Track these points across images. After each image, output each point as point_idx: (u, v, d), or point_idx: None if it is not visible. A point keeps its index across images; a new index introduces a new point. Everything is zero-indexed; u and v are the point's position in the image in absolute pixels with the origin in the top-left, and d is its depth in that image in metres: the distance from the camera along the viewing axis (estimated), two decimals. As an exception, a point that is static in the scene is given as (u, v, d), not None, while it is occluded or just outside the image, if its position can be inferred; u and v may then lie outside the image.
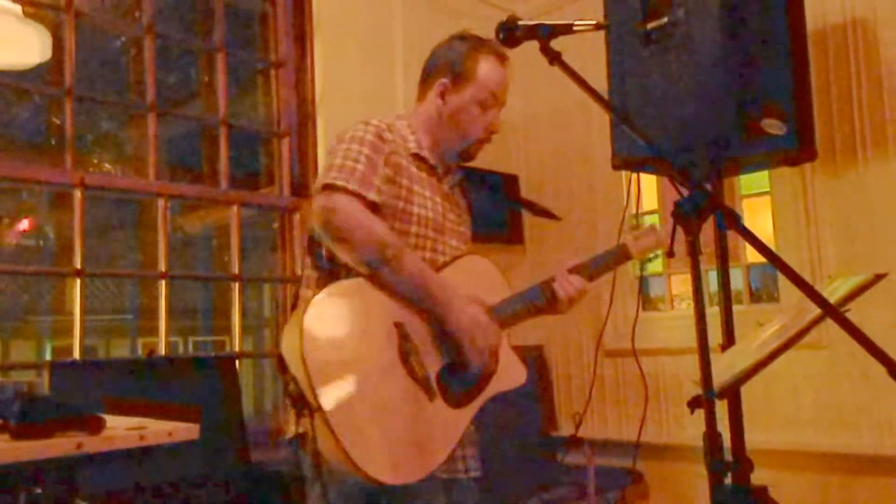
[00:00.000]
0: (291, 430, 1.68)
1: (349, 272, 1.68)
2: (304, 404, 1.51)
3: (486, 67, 1.90)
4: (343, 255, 1.65)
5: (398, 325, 1.64)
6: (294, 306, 1.77)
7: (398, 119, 1.93)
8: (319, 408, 1.46)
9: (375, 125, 1.80)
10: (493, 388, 1.79)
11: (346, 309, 1.61)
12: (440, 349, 1.70)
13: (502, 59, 1.94)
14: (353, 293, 1.63)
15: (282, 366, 1.57)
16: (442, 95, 1.89)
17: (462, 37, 1.96)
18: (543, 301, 1.92)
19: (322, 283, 1.70)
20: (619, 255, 2.09)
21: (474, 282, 1.83)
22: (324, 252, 1.75)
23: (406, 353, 1.62)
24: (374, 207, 1.67)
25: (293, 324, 1.55)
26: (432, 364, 1.67)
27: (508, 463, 3.55)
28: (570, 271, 1.98)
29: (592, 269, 2.02)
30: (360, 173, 1.67)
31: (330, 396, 1.48)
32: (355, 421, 1.50)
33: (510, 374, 1.85)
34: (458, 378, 1.71)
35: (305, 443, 1.59)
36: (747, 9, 2.51)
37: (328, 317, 1.57)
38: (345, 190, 1.63)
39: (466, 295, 1.76)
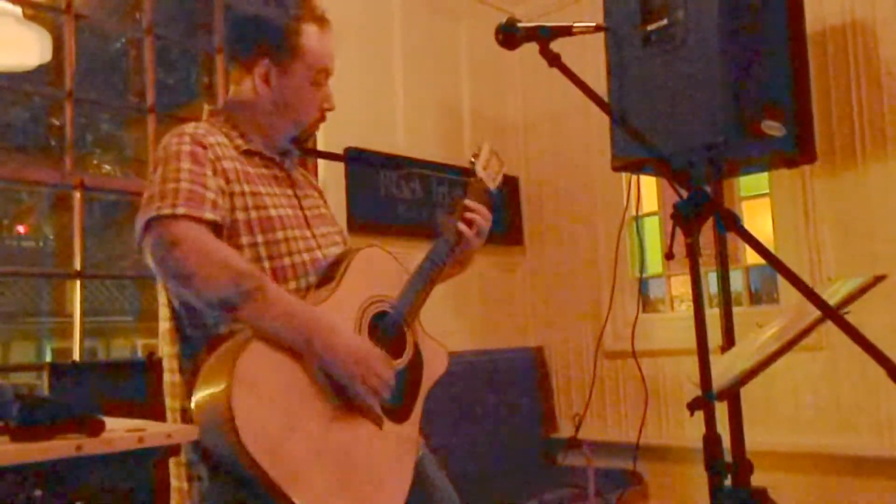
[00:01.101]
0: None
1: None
2: (242, 483, 1.34)
3: (311, 40, 1.62)
4: (191, 297, 1.39)
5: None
6: (194, 368, 1.45)
7: (212, 116, 1.65)
8: (274, 487, 1.28)
9: (191, 133, 1.51)
10: (425, 386, 1.64)
11: (272, 362, 1.36)
12: None
13: (324, 24, 1.66)
14: (274, 346, 1.38)
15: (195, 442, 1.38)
16: (266, 80, 1.60)
17: (270, 1, 1.63)
18: (451, 247, 1.72)
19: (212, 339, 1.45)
20: (480, 190, 1.86)
21: (374, 280, 1.62)
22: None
23: (341, 390, 1.43)
24: (215, 228, 1.41)
25: (212, 393, 1.31)
26: None
27: (508, 464, 3.55)
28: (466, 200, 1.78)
29: (476, 199, 1.81)
30: (185, 192, 1.39)
31: (287, 474, 1.30)
32: (322, 493, 1.34)
33: (436, 364, 1.67)
34: (396, 387, 1.53)
35: None
36: (746, 10, 2.51)
37: (256, 379, 1.32)
38: (174, 217, 1.35)
39: (370, 296, 1.58)
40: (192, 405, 1.37)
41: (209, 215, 1.40)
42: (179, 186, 1.40)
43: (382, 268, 1.67)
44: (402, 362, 1.58)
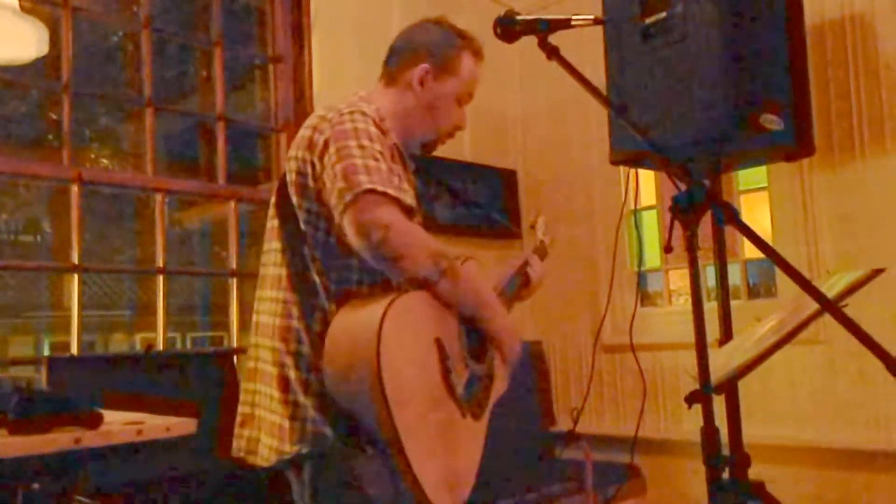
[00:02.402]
0: (288, 448, 1.51)
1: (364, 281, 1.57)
2: (361, 437, 1.46)
3: (468, 63, 1.81)
4: (396, 273, 1.52)
5: (438, 342, 1.53)
6: (326, 313, 1.54)
7: (362, 101, 1.70)
8: (393, 431, 1.37)
9: (372, 116, 1.60)
10: (492, 398, 1.76)
11: (407, 328, 1.47)
12: (467, 359, 1.64)
13: (480, 57, 1.85)
14: (410, 309, 1.50)
15: (318, 387, 1.48)
16: (422, 82, 1.76)
17: (439, 23, 1.86)
18: (519, 289, 1.93)
19: (343, 295, 1.55)
20: (542, 251, 2.17)
21: None
22: (350, 262, 1.56)
23: (447, 372, 1.53)
24: (409, 212, 1.51)
25: (359, 326, 1.42)
26: (461, 378, 1.60)
27: (506, 458, 3.55)
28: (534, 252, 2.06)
29: (539, 255, 2.10)
30: (385, 173, 1.48)
31: (406, 424, 1.39)
32: (424, 453, 1.43)
33: (501, 382, 1.81)
34: (475, 389, 1.66)
35: (303, 465, 1.53)
36: (745, 4, 2.51)
37: (398, 339, 1.43)
38: (386, 196, 1.45)
39: None
40: (328, 341, 1.47)
41: (409, 200, 1.49)
42: (380, 167, 1.48)
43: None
44: (483, 369, 1.70)
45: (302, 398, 1.50)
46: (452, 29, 1.84)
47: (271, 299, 1.60)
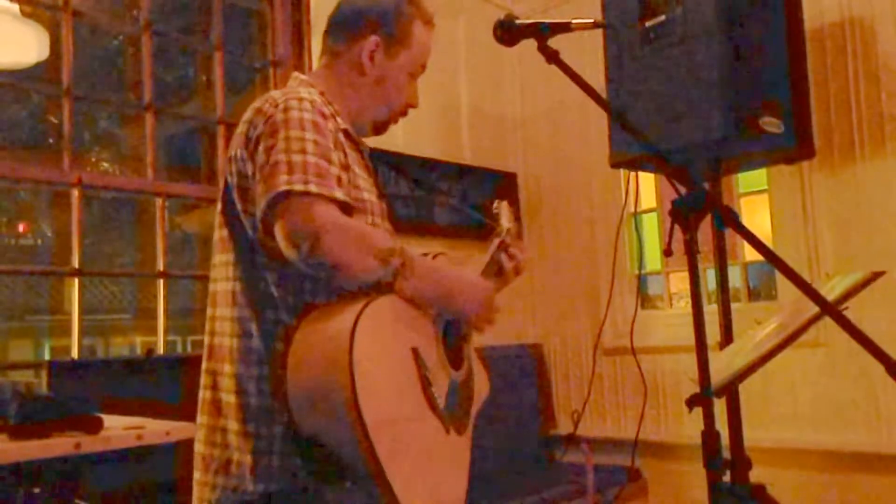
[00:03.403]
0: (252, 487, 1.33)
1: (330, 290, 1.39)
2: (337, 469, 1.29)
3: (420, 33, 1.64)
4: (342, 282, 1.35)
5: (414, 352, 1.36)
6: (285, 338, 1.35)
7: (301, 86, 1.55)
8: (375, 461, 1.20)
9: (310, 99, 1.42)
10: (475, 405, 1.61)
11: (381, 340, 1.30)
12: (446, 365, 1.47)
13: (431, 25, 1.67)
14: (382, 318, 1.32)
15: (284, 410, 1.28)
16: (372, 57, 1.59)
17: None
18: (494, 278, 1.73)
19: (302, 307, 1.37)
20: (513, 237, 1.88)
21: None
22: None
23: (427, 385, 1.37)
24: (345, 208, 1.34)
25: (333, 364, 1.22)
26: (442, 390, 1.44)
27: (507, 461, 3.55)
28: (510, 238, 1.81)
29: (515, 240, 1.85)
30: (313, 166, 1.31)
31: (389, 450, 1.22)
32: (408, 479, 1.27)
33: (481, 385, 1.65)
34: (456, 399, 1.51)
35: None
36: (745, 7, 2.51)
37: (372, 354, 1.25)
38: (306, 194, 1.28)
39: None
40: (290, 364, 1.29)
41: (339, 194, 1.32)
42: (307, 160, 1.32)
43: None
44: (461, 374, 1.54)
45: (265, 429, 1.34)
46: None
47: (225, 318, 1.43)
